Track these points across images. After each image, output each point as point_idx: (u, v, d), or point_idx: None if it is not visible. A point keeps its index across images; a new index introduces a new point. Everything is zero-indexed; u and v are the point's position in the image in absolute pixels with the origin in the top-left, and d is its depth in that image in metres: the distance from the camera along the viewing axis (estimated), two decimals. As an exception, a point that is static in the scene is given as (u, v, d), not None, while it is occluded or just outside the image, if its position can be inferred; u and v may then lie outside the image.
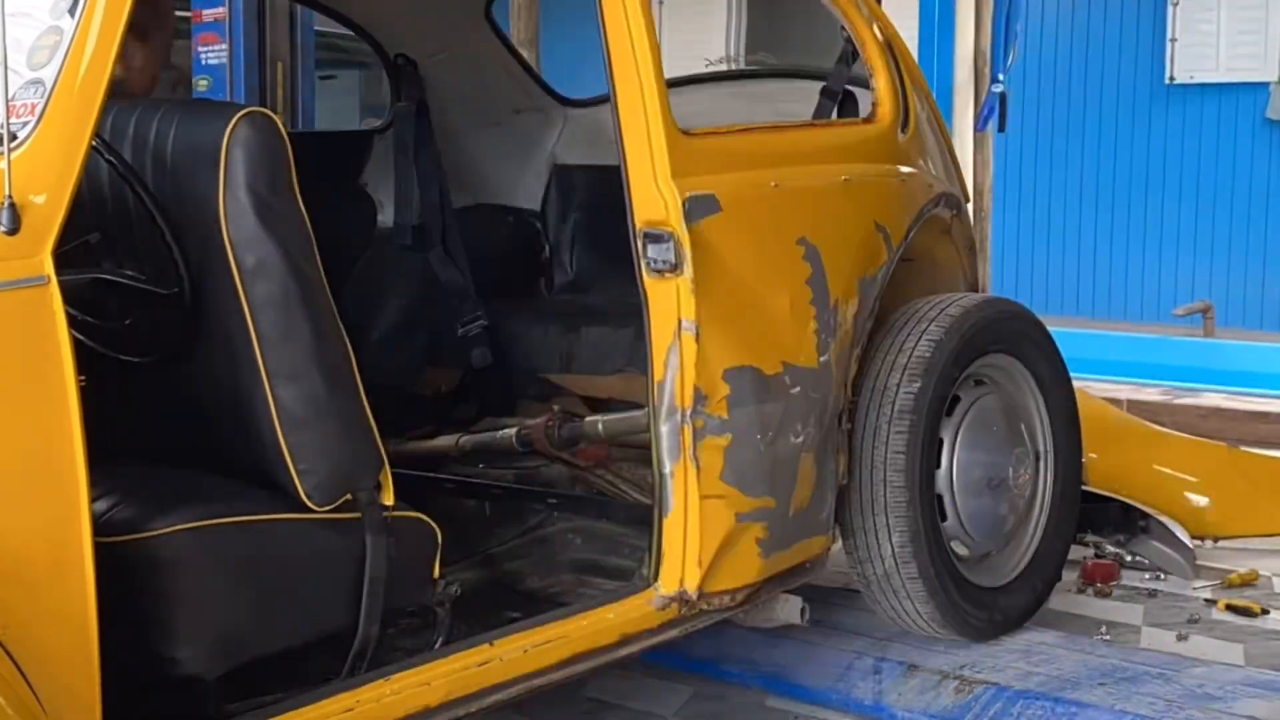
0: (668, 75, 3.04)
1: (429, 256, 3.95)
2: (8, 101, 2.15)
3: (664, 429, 2.97)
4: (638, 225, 2.97)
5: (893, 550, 3.36)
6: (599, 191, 3.86)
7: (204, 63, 5.97)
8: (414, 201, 3.92)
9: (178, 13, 6.54)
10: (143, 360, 2.57)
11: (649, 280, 2.97)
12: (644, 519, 3.09)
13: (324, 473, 2.50)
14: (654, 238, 2.95)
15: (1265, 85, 9.24)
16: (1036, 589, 3.76)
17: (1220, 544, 4.59)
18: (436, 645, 2.76)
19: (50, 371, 2.16)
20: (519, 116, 4.17)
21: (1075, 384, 3.92)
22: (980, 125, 6.66)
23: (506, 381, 3.93)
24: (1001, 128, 6.59)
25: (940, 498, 3.50)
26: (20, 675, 2.11)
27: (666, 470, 2.98)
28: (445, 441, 3.68)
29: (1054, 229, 9.92)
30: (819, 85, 3.75)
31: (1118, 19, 9.75)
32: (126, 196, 2.51)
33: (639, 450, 3.35)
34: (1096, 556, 4.40)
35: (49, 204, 2.19)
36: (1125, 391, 6.77)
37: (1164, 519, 4.46)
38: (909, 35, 5.58)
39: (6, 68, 2.12)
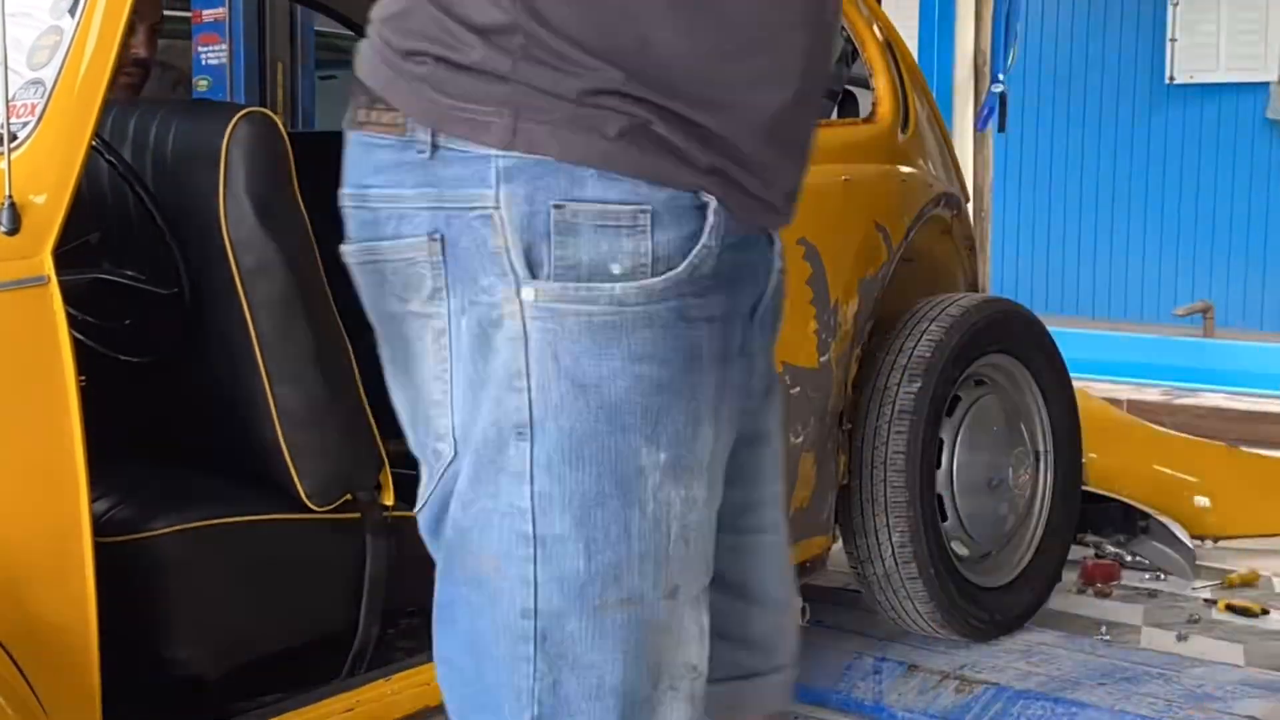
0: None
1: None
2: (8, 102, 2.15)
3: (664, 429, 2.96)
4: (638, 225, 2.96)
5: (893, 550, 3.36)
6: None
7: (204, 63, 5.96)
8: None
9: (178, 13, 6.55)
10: (143, 360, 2.57)
11: (649, 280, 2.96)
12: (644, 519, 3.09)
13: (324, 473, 2.50)
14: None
15: (1265, 85, 9.23)
16: (1036, 589, 3.76)
17: (1220, 544, 4.59)
18: (437, 645, 2.76)
19: (50, 371, 2.16)
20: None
21: (1075, 384, 3.92)
22: (980, 125, 6.65)
23: (506, 381, 3.92)
24: (1001, 128, 6.58)
25: (940, 498, 3.50)
26: (20, 675, 2.10)
27: (667, 470, 2.97)
28: (445, 442, 3.68)
29: (1054, 229, 9.92)
30: (819, 85, 3.74)
31: (1118, 19, 9.74)
32: (126, 197, 2.51)
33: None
34: (1096, 556, 4.40)
35: (49, 204, 2.19)
36: (1125, 391, 6.77)
37: (1164, 519, 4.46)
38: (909, 35, 5.58)
39: (6, 68, 2.12)
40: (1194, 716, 3.17)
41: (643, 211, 1.45)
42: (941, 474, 3.50)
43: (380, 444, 2.60)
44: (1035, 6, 9.22)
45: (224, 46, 5.93)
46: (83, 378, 2.19)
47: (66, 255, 2.24)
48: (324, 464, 2.50)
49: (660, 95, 1.45)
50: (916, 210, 3.62)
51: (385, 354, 1.65)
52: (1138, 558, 4.43)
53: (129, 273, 2.52)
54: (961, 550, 3.58)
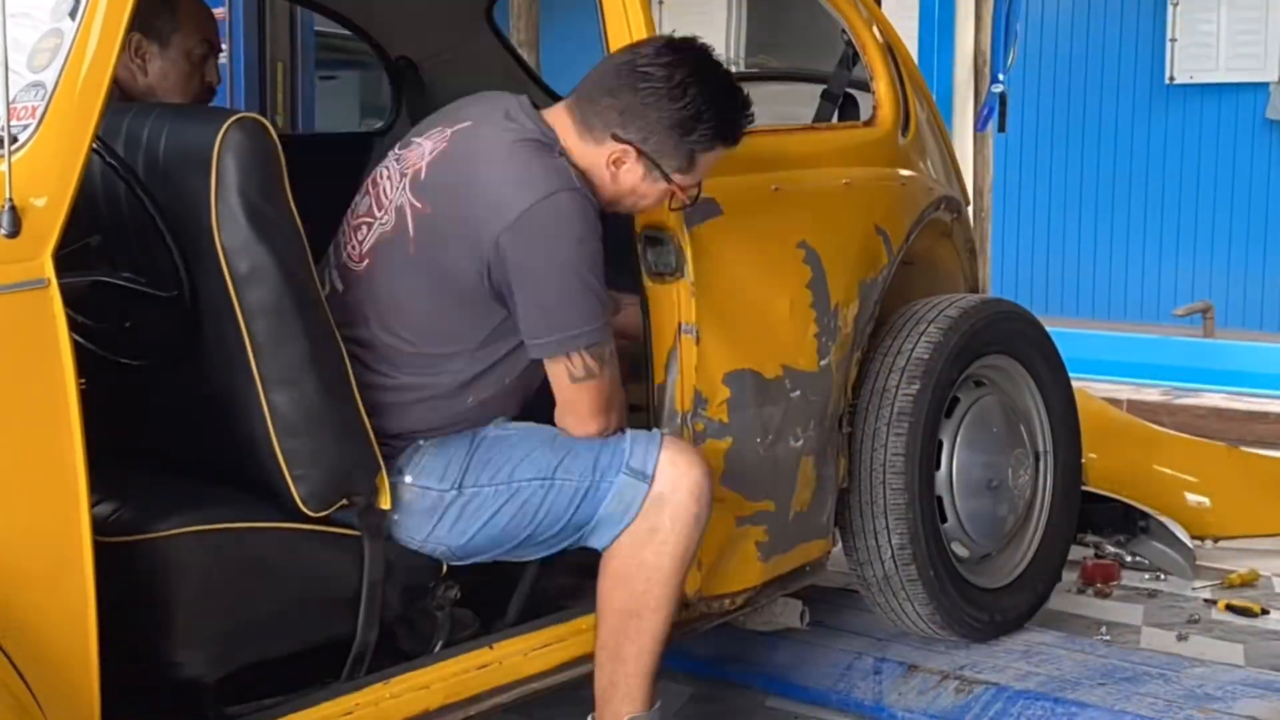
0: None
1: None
2: (9, 104, 2.15)
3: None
4: (638, 228, 2.97)
5: (892, 552, 3.36)
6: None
7: (204, 63, 5.96)
8: None
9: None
10: (142, 363, 2.56)
11: (649, 283, 2.97)
12: (644, 521, 3.09)
13: (320, 478, 2.50)
14: (654, 240, 2.95)
15: (1265, 85, 9.24)
16: (1036, 589, 3.76)
17: (1220, 544, 4.59)
18: (435, 648, 2.76)
19: (50, 374, 2.16)
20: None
21: (1075, 384, 3.92)
22: (980, 125, 6.66)
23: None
24: (1001, 128, 6.59)
25: (940, 499, 3.50)
26: (19, 677, 2.11)
27: (666, 472, 2.98)
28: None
29: (1054, 229, 9.92)
30: (819, 88, 3.75)
31: (1118, 19, 9.74)
32: (122, 199, 2.50)
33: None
34: (1096, 556, 4.40)
35: (49, 207, 2.19)
36: (1125, 391, 6.77)
37: (1164, 519, 4.46)
38: (909, 35, 5.59)
39: (7, 70, 2.12)
40: (1194, 716, 3.17)
41: None
42: (941, 475, 3.50)
43: (376, 448, 2.59)
44: (1035, 6, 9.23)
45: (224, 47, 5.92)
46: (82, 380, 2.19)
47: (67, 258, 2.24)
48: (319, 469, 2.50)
49: None
50: (917, 213, 3.62)
51: None
52: (1138, 558, 4.43)
53: (128, 275, 2.52)
54: (961, 551, 3.58)
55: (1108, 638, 3.80)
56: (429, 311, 2.67)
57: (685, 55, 2.72)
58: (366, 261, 2.71)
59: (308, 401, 2.47)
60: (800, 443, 3.15)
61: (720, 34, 9.95)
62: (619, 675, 2.74)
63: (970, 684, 3.36)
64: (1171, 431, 5.14)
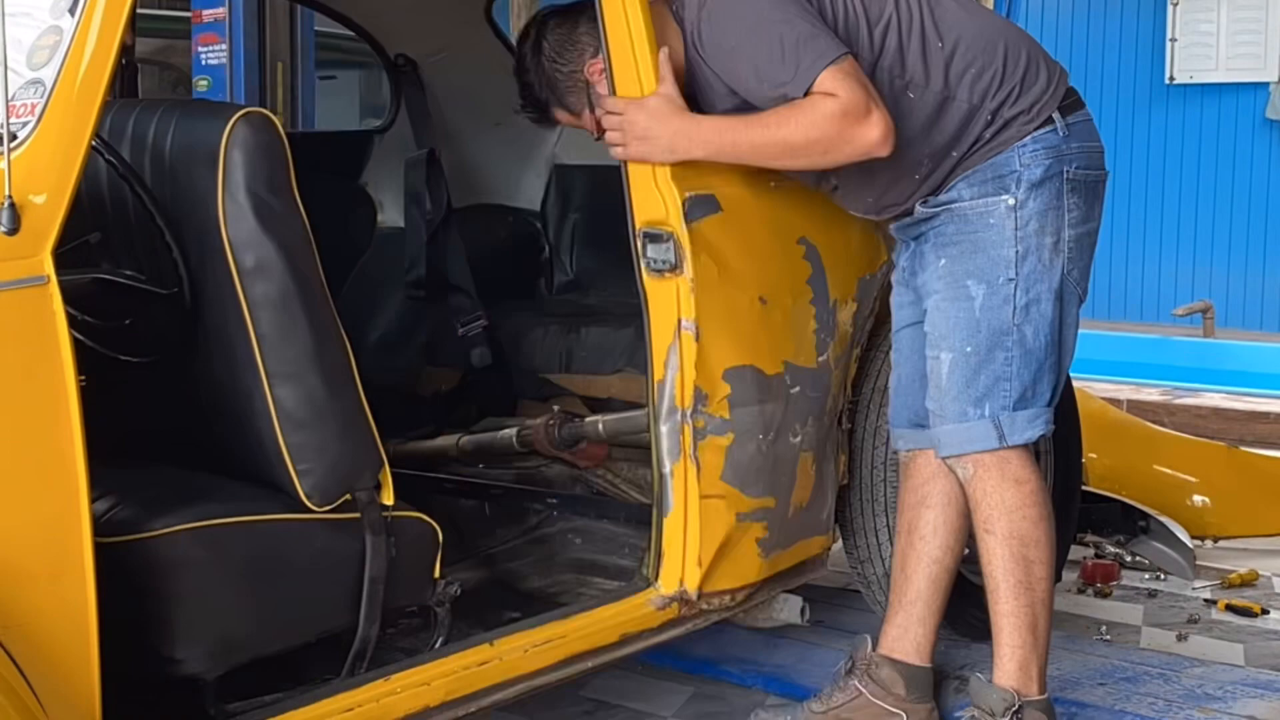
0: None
1: (429, 256, 3.95)
2: (8, 101, 2.15)
3: (664, 429, 2.97)
4: (637, 225, 2.97)
5: (893, 550, 3.36)
6: (599, 191, 3.86)
7: (204, 63, 5.97)
8: (421, 260, 3.94)
9: (178, 13, 6.56)
10: (142, 360, 2.57)
11: (649, 280, 2.97)
12: (644, 519, 3.10)
13: (323, 473, 2.50)
14: (654, 238, 2.95)
15: (1265, 85, 9.24)
16: (1036, 589, 3.75)
17: (1220, 544, 4.59)
18: (436, 645, 2.76)
19: (50, 371, 2.16)
20: (519, 116, 4.16)
21: (1075, 384, 3.92)
22: (980, 125, 6.64)
23: (507, 381, 3.93)
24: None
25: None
26: (20, 675, 2.11)
27: (666, 470, 2.98)
28: (445, 441, 3.69)
29: (1054, 229, 9.91)
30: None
31: (1118, 19, 9.75)
32: (126, 197, 2.51)
33: (639, 450, 3.35)
34: (1096, 556, 4.40)
35: (49, 204, 2.19)
36: (1125, 391, 6.77)
37: (1164, 519, 4.46)
38: (909, 35, 5.57)
39: (6, 68, 2.12)
40: (1194, 716, 3.18)
41: None
42: (941, 474, 3.49)
43: (380, 444, 2.60)
44: (1035, 6, 9.23)
45: (224, 46, 5.93)
46: (82, 377, 2.19)
47: (66, 255, 2.24)
48: (323, 464, 2.50)
49: None
50: (916, 210, 3.61)
51: None
52: (1138, 558, 4.43)
53: (128, 272, 2.52)
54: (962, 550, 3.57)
55: (1108, 638, 3.79)
56: None
57: None
58: None
59: (312, 396, 2.48)
60: (800, 439, 3.15)
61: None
62: None
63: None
64: (1171, 431, 5.13)
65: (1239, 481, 4.76)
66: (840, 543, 3.50)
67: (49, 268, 2.17)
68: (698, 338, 2.95)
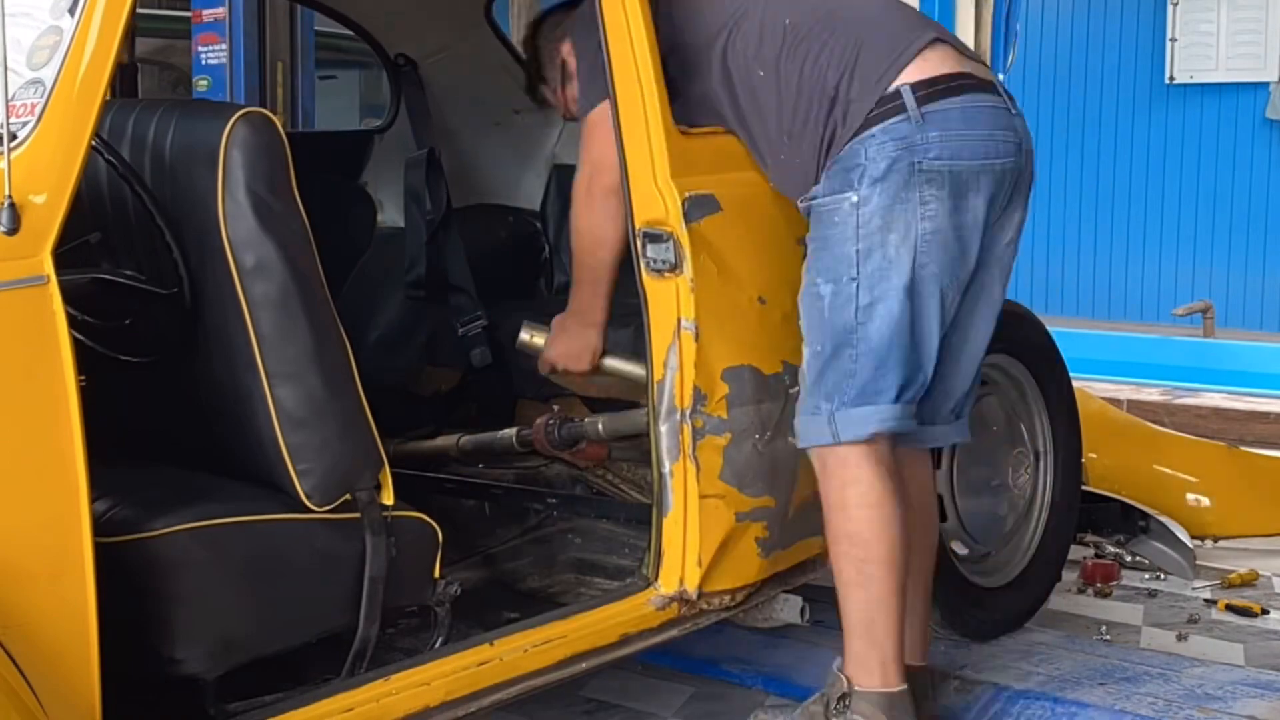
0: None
1: (429, 256, 3.95)
2: (8, 101, 2.15)
3: (663, 428, 2.97)
4: (637, 225, 2.97)
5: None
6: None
7: (204, 63, 5.97)
8: (421, 259, 3.94)
9: (178, 13, 6.56)
10: (142, 360, 2.57)
11: (648, 280, 2.97)
12: (644, 519, 3.10)
13: (323, 473, 2.50)
14: (653, 237, 2.95)
15: (1265, 85, 9.24)
16: (1036, 589, 3.76)
17: (1220, 544, 4.59)
18: (436, 645, 2.76)
19: (50, 371, 2.16)
20: (519, 116, 4.17)
21: (1075, 384, 3.92)
22: (980, 125, 6.64)
23: (506, 381, 3.93)
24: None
25: (940, 498, 3.49)
26: (20, 675, 2.11)
27: (666, 470, 2.98)
28: (445, 441, 3.69)
29: (1054, 229, 9.92)
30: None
31: (1118, 19, 9.75)
32: (126, 196, 2.51)
33: (638, 450, 3.35)
34: (1096, 556, 4.40)
35: (49, 204, 2.19)
36: (1125, 391, 6.77)
37: (1164, 519, 4.46)
38: (909, 35, 5.57)
39: (6, 68, 2.12)
40: (1194, 716, 3.17)
41: None
42: (941, 474, 3.50)
43: (380, 443, 2.60)
44: (1035, 6, 9.23)
45: (224, 46, 5.93)
46: (82, 377, 2.19)
47: (66, 255, 2.24)
48: (323, 464, 2.50)
49: None
50: (916, 210, 3.61)
51: None
52: (1138, 558, 4.42)
53: (128, 272, 2.52)
54: (961, 550, 3.58)
55: (1108, 638, 3.79)
56: None
57: None
58: None
59: (312, 395, 2.48)
60: (800, 440, 3.15)
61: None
62: None
63: (970, 684, 3.36)
64: (1171, 431, 5.13)
65: (1239, 481, 4.75)
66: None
67: (49, 268, 2.17)
68: (697, 337, 2.95)
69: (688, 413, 2.96)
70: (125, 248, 2.56)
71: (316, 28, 6.27)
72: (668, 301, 2.95)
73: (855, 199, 2.87)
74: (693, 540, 2.99)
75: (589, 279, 3.16)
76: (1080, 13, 9.87)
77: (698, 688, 3.53)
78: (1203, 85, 9.46)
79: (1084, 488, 4.02)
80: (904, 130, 2.85)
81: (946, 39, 3.01)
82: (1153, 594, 4.21)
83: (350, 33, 4.14)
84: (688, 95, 3.07)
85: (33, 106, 2.23)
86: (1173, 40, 9.52)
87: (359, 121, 7.83)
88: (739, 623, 3.41)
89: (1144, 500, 4.51)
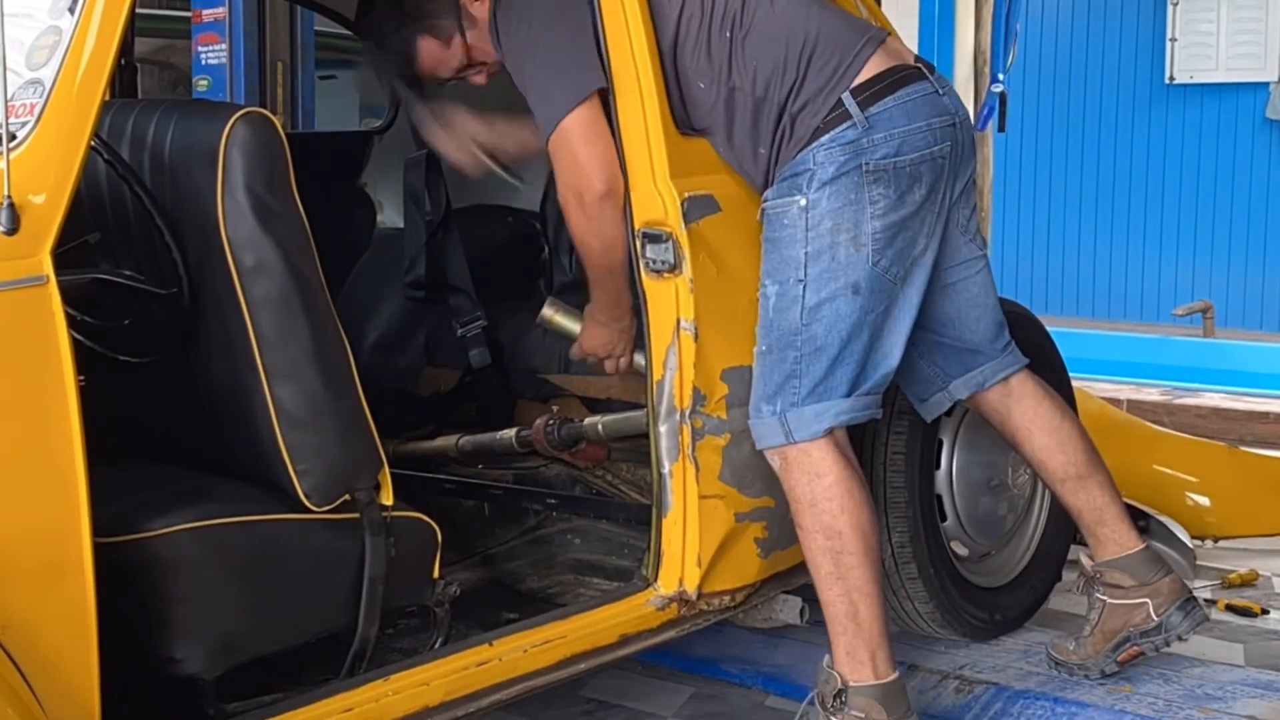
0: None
1: (428, 257, 3.95)
2: (7, 101, 2.15)
3: (663, 429, 2.97)
4: (636, 225, 2.97)
5: (892, 550, 3.36)
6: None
7: (204, 63, 5.96)
8: (421, 260, 3.94)
9: (178, 13, 6.55)
10: (142, 360, 2.57)
11: (648, 280, 2.97)
12: (643, 519, 3.10)
13: (323, 473, 2.50)
14: (653, 238, 2.95)
15: (1265, 85, 9.24)
16: (1036, 589, 3.75)
17: (1220, 544, 4.58)
18: (435, 645, 2.76)
19: (49, 372, 2.16)
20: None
21: (1075, 384, 3.92)
22: (980, 125, 6.64)
23: (506, 382, 3.93)
24: (1001, 128, 6.58)
25: (940, 498, 3.49)
26: (20, 675, 2.11)
27: (665, 470, 2.98)
28: (444, 442, 3.68)
29: (1054, 229, 9.92)
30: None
31: (1118, 19, 9.75)
32: (125, 197, 2.51)
33: (638, 450, 3.35)
34: (1096, 556, 4.39)
35: (48, 204, 2.19)
36: (1125, 391, 6.77)
37: (1164, 519, 4.45)
38: (909, 35, 5.58)
39: (6, 67, 2.12)
40: (1194, 716, 3.17)
41: None
42: (941, 474, 3.50)
43: (379, 444, 2.60)
44: (1035, 6, 9.23)
45: (224, 46, 5.92)
46: (82, 377, 2.19)
47: (65, 255, 2.24)
48: (323, 464, 2.50)
49: None
50: (916, 210, 3.61)
51: None
52: (1138, 558, 4.42)
53: (128, 273, 2.52)
54: (961, 550, 3.58)
55: (1108, 637, 3.79)
56: None
57: None
58: None
59: (312, 395, 2.48)
60: (800, 440, 3.15)
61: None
62: None
63: (970, 684, 3.36)
64: (1171, 431, 5.13)
65: (1239, 481, 4.75)
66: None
67: (48, 268, 2.17)
68: (696, 338, 2.95)
69: (687, 413, 2.96)
70: (125, 248, 2.56)
71: (316, 28, 6.27)
72: (667, 302, 2.95)
73: (804, 202, 2.91)
74: (692, 541, 3.00)
75: (607, 277, 3.12)
76: (1080, 13, 9.87)
77: (698, 688, 3.54)
78: (1203, 85, 9.46)
79: (1084, 488, 4.01)
80: (851, 135, 2.90)
81: (879, 37, 3.04)
82: (1153, 594, 4.20)
83: (350, 33, 4.14)
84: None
85: (32, 106, 2.23)
86: (1173, 40, 9.52)
87: (359, 122, 7.83)
88: (739, 623, 3.42)
89: (1144, 500, 4.50)
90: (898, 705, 2.94)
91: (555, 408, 3.67)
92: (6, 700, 2.06)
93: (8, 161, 2.15)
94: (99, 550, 2.20)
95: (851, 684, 2.95)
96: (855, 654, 2.96)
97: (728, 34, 3.00)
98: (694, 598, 3.03)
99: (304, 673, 2.63)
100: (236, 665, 2.48)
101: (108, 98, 2.32)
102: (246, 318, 2.42)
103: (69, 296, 2.22)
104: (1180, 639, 3.26)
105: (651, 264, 2.95)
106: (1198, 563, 4.39)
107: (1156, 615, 3.24)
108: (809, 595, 3.36)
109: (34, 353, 2.16)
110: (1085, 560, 3.33)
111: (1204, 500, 4.61)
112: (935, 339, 3.20)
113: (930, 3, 6.73)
